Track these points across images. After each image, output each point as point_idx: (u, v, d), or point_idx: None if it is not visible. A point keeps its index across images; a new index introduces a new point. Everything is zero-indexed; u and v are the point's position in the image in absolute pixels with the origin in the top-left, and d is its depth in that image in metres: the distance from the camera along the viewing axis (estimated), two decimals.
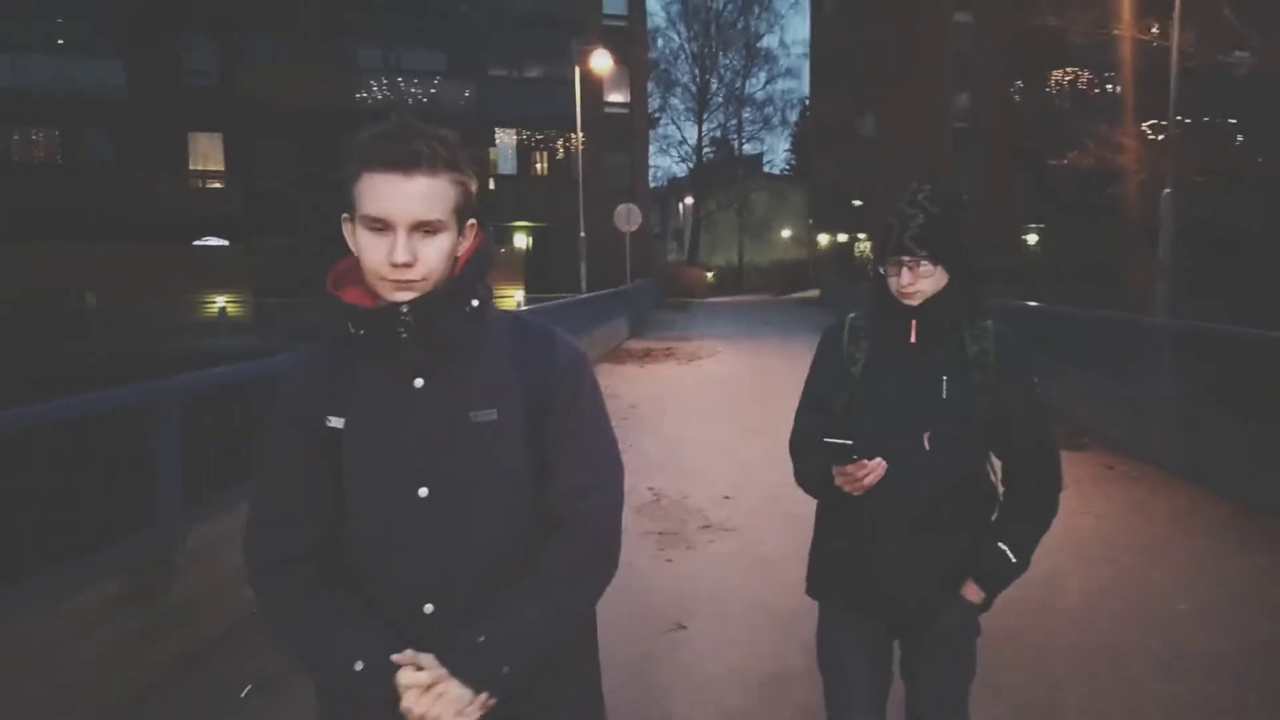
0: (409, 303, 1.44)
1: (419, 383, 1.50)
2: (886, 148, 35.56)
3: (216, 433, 5.46)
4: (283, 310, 23.43)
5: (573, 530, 1.56)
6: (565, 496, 1.56)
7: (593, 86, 28.49)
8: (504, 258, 30.31)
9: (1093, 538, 5.75)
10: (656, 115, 50.07)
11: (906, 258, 2.14)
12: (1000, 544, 2.18)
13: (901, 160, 31.41)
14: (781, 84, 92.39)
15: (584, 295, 19.50)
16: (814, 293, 38.69)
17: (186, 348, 18.71)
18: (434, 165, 1.43)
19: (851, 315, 2.34)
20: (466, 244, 1.52)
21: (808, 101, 54.90)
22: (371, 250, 1.43)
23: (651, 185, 48.85)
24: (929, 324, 2.18)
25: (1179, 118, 12.76)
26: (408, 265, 1.42)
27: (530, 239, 32.08)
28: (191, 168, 28.66)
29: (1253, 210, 18.54)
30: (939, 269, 2.15)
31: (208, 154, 28.86)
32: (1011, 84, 31.41)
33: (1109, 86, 23.98)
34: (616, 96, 34.04)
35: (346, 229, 1.49)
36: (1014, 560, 2.18)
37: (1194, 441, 7.43)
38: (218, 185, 28.86)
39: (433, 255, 1.44)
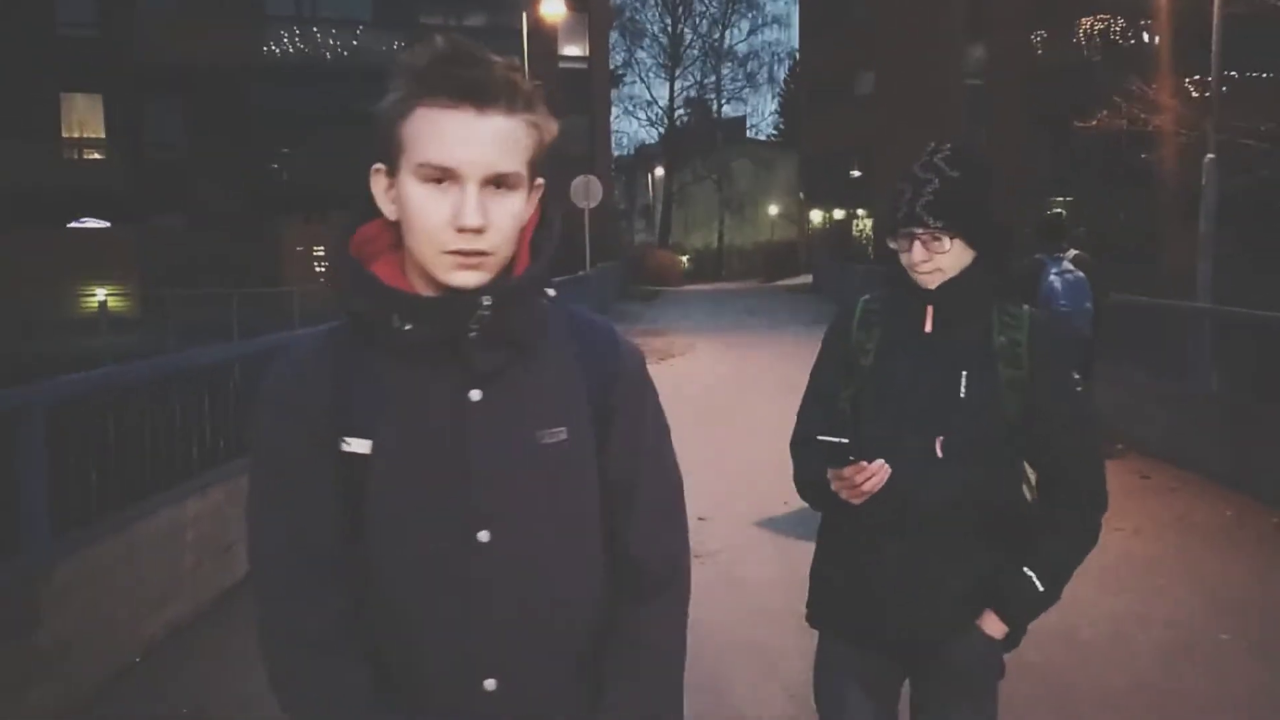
0: (492, 292, 1.32)
1: (475, 395, 1.37)
2: (889, 108, 35.77)
3: (97, 446, 5.41)
4: (176, 303, 23.17)
5: (667, 593, 1.55)
6: (644, 544, 1.52)
7: (544, 37, 28.44)
8: None
9: (1124, 558, 5.83)
10: (621, 71, 50.19)
11: (919, 230, 2.13)
12: (1026, 569, 2.17)
13: (907, 123, 31.61)
14: (767, 34, 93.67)
15: None
16: (806, 279, 38.90)
17: (60, 349, 18.44)
18: (512, 101, 1.30)
19: (865, 298, 2.34)
20: (530, 209, 1.40)
21: (797, 55, 55.23)
22: (429, 210, 1.29)
23: (616, 154, 49.03)
24: (948, 310, 2.18)
25: (1225, 72, 12.95)
26: (479, 231, 1.28)
27: None
28: (65, 135, 28.23)
29: None
30: (958, 244, 2.14)
31: (85, 119, 28.44)
32: (1033, 33, 31.73)
33: (1144, 36, 24.30)
34: (573, 49, 34.02)
35: (378, 183, 1.36)
36: (1041, 589, 2.17)
37: (1239, 444, 7.55)
38: (97, 156, 28.47)
39: (506, 220, 1.31)
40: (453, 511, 1.36)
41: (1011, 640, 2.25)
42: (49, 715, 3.95)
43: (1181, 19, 17.34)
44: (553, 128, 1.37)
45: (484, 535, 1.37)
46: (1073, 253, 7.49)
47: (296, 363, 1.40)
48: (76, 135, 28.50)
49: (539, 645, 1.41)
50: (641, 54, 54.80)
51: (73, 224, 27.85)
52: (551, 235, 1.44)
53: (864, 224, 41.13)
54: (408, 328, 1.33)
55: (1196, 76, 17.94)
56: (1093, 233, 22.81)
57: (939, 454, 2.13)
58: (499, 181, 1.30)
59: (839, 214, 44.23)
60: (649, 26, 54.56)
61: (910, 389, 2.17)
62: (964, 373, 2.15)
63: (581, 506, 1.45)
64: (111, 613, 4.46)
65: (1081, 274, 7.25)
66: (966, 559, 2.18)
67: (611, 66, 41.00)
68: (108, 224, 28.07)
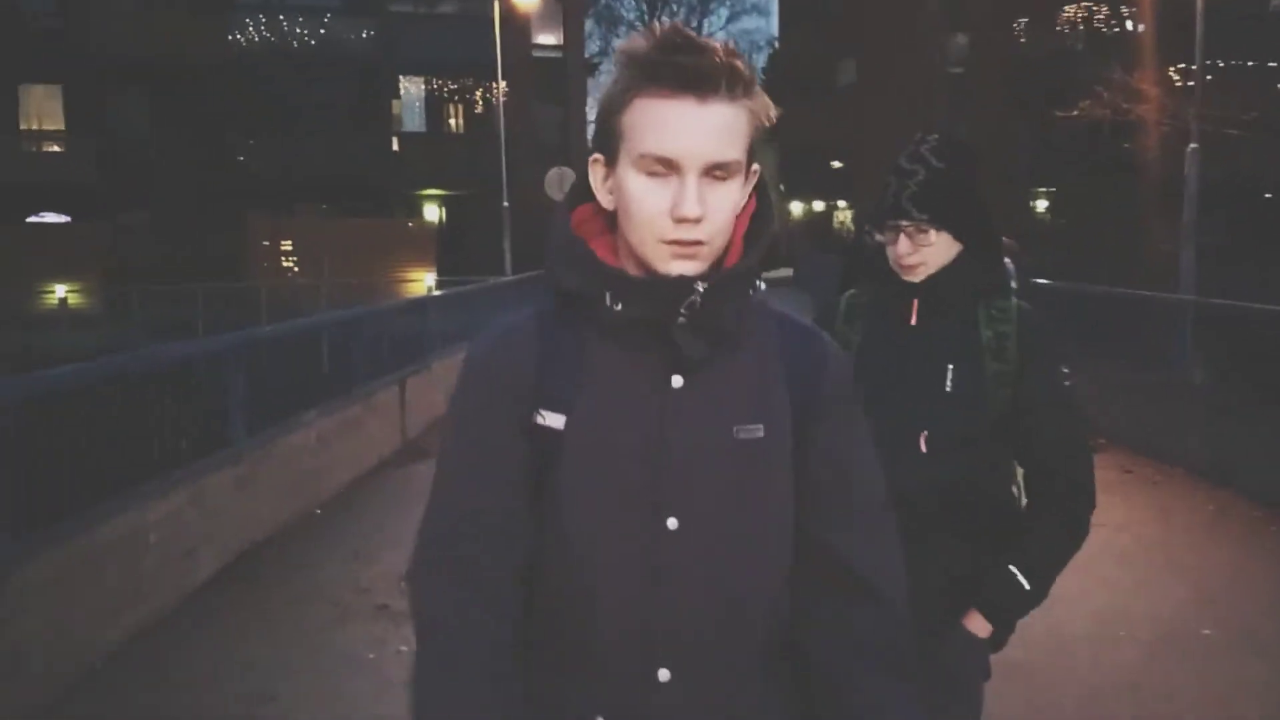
0: (706, 280, 1.32)
1: (677, 382, 1.36)
2: (870, 98, 35.85)
3: (59, 446, 5.35)
4: (141, 299, 22.96)
5: (883, 599, 1.46)
6: (856, 550, 1.45)
7: (517, 25, 28.30)
8: (410, 233, 30.03)
9: (1107, 553, 5.84)
10: (596, 60, 49.87)
11: (905, 222, 2.12)
12: (1011, 566, 2.14)
13: (888, 113, 31.74)
14: (746, 22, 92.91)
15: (508, 278, 19.38)
16: (787, 272, 38.87)
17: (22, 346, 18.25)
18: (733, 87, 1.27)
19: (850, 292, 2.33)
20: (746, 196, 1.37)
21: (777, 44, 55.18)
22: (648, 199, 1.30)
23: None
24: (933, 303, 2.16)
25: (1207, 61, 13.01)
26: (696, 221, 1.28)
27: (443, 210, 31.83)
28: (24, 127, 27.91)
29: None
30: (945, 236, 2.12)
31: (44, 110, 28.12)
32: (1015, 21, 31.84)
33: (1128, 24, 24.42)
34: (547, 38, 33.87)
35: (595, 173, 1.38)
36: (1028, 587, 2.14)
37: (1221, 438, 7.60)
38: (57, 148, 28.16)
39: (723, 209, 1.31)
40: (642, 494, 1.35)
41: (997, 640, 2.22)
42: None
43: (1165, 7, 17.40)
44: (770, 111, 1.34)
45: (673, 522, 1.35)
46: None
47: (503, 336, 1.42)
48: (35, 127, 28.16)
49: (717, 639, 1.38)
50: (618, 43, 54.71)
51: (32, 219, 27.54)
52: (767, 226, 1.41)
53: (845, 215, 41.22)
54: (618, 307, 1.33)
55: (1181, 65, 18.05)
56: (1073, 223, 22.93)
57: (923, 449, 2.11)
58: (717, 170, 1.29)
59: (819, 205, 44.32)
60: (625, 15, 54.50)
61: (894, 382, 2.14)
62: (950, 366, 2.12)
63: (771, 505, 1.41)
64: (72, 618, 4.41)
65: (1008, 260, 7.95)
66: (949, 555, 2.15)
67: (587, 55, 40.86)
68: (68, 218, 27.76)
